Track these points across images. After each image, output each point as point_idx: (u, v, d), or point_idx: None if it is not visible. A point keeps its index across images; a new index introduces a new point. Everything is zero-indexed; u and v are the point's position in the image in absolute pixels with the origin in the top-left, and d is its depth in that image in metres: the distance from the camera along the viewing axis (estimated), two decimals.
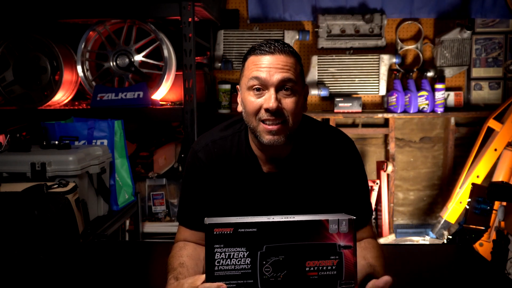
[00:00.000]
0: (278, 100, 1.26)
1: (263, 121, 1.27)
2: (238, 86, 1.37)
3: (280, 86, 1.27)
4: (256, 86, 1.27)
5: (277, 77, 1.26)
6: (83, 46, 2.89)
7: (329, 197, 1.36)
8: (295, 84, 1.28)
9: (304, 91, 1.34)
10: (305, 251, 1.08)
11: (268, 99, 1.26)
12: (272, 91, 1.26)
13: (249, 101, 1.29)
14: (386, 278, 1.13)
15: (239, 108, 1.36)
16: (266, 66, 1.26)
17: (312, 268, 1.08)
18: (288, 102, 1.27)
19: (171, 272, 1.27)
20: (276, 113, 1.26)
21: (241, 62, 1.34)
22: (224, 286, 1.06)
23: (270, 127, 1.27)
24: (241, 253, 1.07)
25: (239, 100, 1.36)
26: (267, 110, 1.26)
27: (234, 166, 1.38)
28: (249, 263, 1.07)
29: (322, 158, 1.37)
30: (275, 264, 1.08)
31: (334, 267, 1.09)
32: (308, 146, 1.38)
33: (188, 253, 1.34)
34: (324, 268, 1.08)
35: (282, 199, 1.36)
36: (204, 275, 1.11)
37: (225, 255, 1.07)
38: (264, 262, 1.07)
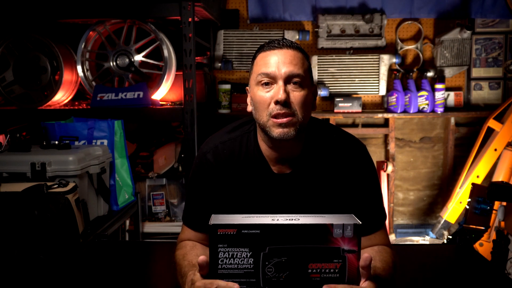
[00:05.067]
0: (287, 92, 1.27)
1: (274, 116, 1.27)
2: (247, 88, 1.37)
3: (288, 80, 1.28)
4: (265, 81, 1.28)
5: (285, 70, 1.27)
6: (83, 46, 2.90)
7: (340, 200, 1.35)
8: (303, 78, 1.29)
9: (313, 89, 1.35)
10: (308, 254, 1.07)
11: (277, 91, 1.26)
12: (280, 83, 1.27)
13: (259, 96, 1.29)
14: (365, 255, 1.08)
15: (249, 108, 1.36)
16: (275, 61, 1.28)
17: (314, 270, 1.08)
18: (297, 96, 1.28)
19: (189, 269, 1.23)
20: (286, 104, 1.26)
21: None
22: (237, 286, 1.06)
23: (279, 120, 1.26)
24: (244, 253, 1.07)
25: (248, 100, 1.36)
26: (276, 102, 1.26)
27: (243, 167, 1.37)
28: (252, 263, 1.07)
29: (333, 161, 1.36)
30: (278, 265, 1.07)
31: (337, 270, 1.07)
32: (319, 147, 1.37)
33: (199, 253, 1.32)
34: (327, 270, 1.08)
35: (292, 201, 1.35)
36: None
37: (229, 254, 1.07)
38: (266, 263, 1.07)
